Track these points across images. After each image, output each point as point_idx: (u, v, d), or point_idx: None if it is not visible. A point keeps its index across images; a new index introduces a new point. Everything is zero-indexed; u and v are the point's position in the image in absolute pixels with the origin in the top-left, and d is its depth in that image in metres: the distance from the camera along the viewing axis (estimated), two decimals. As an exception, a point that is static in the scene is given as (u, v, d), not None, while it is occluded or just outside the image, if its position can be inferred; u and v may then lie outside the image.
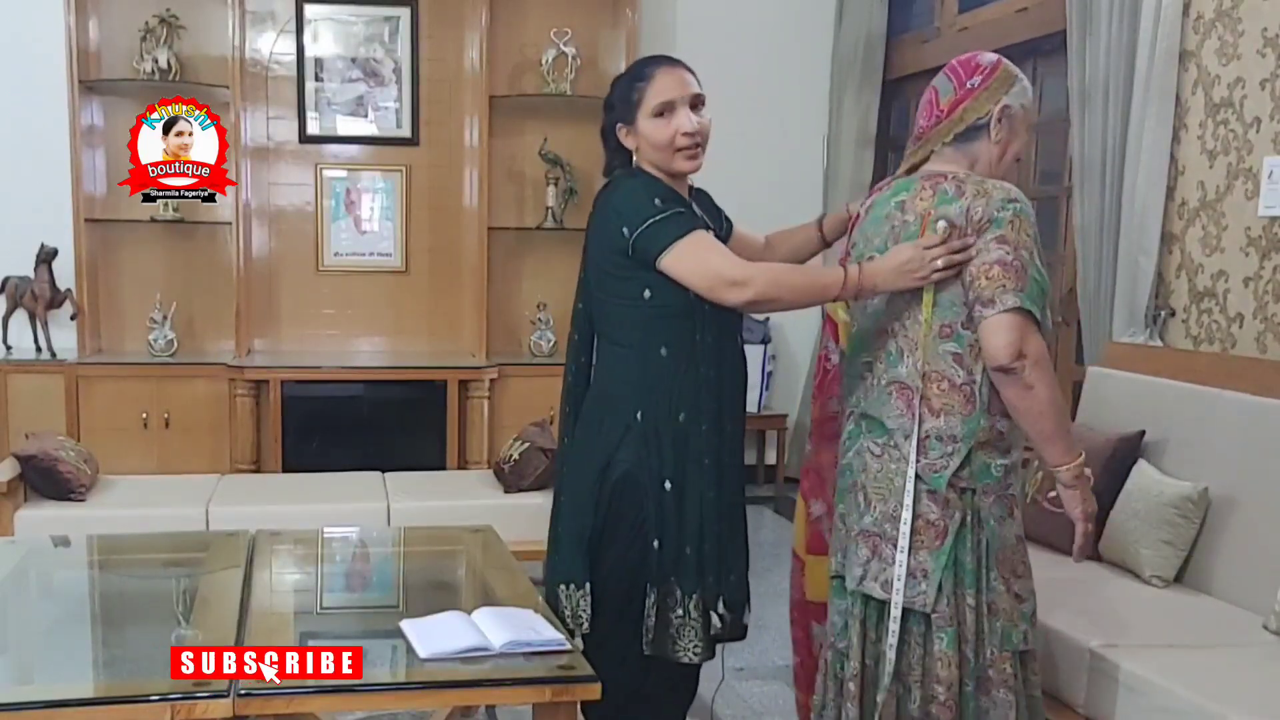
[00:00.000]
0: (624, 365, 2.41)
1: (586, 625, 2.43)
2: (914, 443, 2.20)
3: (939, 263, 2.16)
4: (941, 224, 2.17)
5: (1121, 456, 3.18)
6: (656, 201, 2.32)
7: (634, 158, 2.45)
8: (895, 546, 2.22)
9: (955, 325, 2.20)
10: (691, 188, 2.55)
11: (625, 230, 2.32)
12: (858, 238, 2.41)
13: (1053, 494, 2.28)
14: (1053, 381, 2.17)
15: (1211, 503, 2.99)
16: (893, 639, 2.22)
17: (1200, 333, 3.63)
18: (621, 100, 2.43)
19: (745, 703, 3.39)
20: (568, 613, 2.45)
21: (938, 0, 5.50)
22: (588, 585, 2.44)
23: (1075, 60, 3.93)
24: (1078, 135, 3.95)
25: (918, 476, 2.21)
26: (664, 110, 2.37)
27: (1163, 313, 3.75)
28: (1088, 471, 2.24)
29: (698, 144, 2.40)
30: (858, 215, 2.46)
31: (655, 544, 2.39)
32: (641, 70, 2.45)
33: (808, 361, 6.22)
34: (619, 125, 2.44)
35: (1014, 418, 2.20)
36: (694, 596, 2.40)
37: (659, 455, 2.38)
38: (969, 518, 2.21)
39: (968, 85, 2.28)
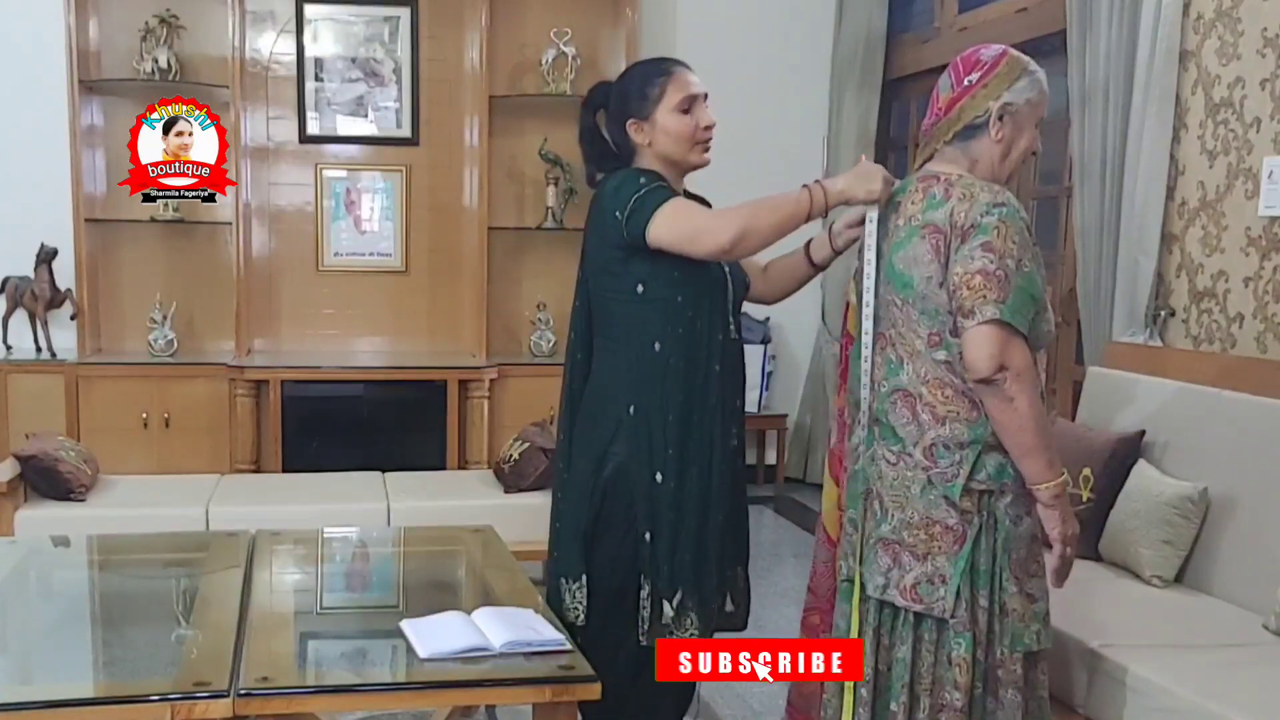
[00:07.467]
0: (617, 360, 2.43)
1: (583, 618, 2.45)
2: (921, 450, 2.19)
3: (880, 184, 2.25)
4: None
5: (1121, 456, 3.18)
6: (642, 180, 2.38)
7: (635, 155, 2.47)
8: (915, 555, 2.20)
9: (943, 333, 2.17)
10: (685, 193, 2.56)
11: (618, 214, 2.36)
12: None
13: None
14: (1035, 395, 2.13)
15: (1211, 503, 2.98)
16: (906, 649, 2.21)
17: (1200, 333, 3.63)
18: (637, 94, 2.46)
19: (745, 703, 3.39)
20: (568, 607, 2.47)
21: (938, 0, 5.50)
22: (584, 578, 2.46)
23: (1075, 60, 3.93)
24: (1078, 135, 3.95)
25: (931, 483, 2.18)
26: (690, 105, 2.43)
27: (1163, 313, 3.75)
28: (1070, 491, 2.20)
29: (711, 138, 2.47)
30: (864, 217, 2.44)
31: (647, 536, 2.41)
32: (660, 66, 2.50)
33: (808, 361, 6.22)
34: (630, 120, 2.46)
35: (995, 431, 2.14)
36: (685, 589, 2.41)
37: (651, 449, 2.40)
38: (985, 521, 2.18)
39: (965, 82, 2.23)
